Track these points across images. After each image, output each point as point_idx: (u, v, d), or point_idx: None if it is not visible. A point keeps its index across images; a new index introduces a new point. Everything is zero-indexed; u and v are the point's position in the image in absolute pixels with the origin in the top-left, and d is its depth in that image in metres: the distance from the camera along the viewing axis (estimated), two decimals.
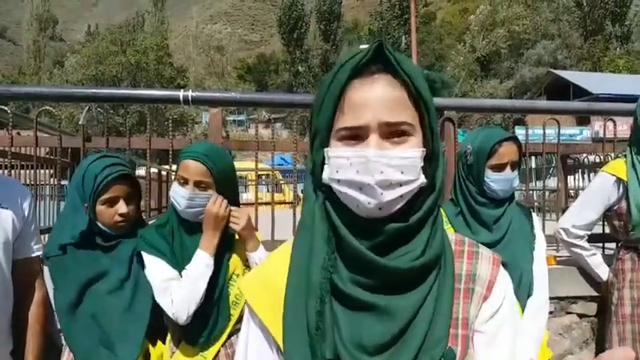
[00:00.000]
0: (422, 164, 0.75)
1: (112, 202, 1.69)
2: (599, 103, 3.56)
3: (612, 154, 3.26)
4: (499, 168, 1.85)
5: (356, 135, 0.74)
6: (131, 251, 1.73)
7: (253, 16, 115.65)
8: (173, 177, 1.92)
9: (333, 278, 0.74)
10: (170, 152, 2.70)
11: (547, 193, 5.42)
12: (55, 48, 65.98)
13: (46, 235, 3.41)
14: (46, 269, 1.74)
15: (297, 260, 0.79)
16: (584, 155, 5.12)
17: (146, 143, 2.76)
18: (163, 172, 7.85)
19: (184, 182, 1.70)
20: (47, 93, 2.83)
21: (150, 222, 2.00)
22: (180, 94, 2.67)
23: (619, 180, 2.33)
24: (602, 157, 3.45)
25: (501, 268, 0.83)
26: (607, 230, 2.74)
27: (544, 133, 3.10)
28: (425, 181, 0.76)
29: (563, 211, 3.01)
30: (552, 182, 6.91)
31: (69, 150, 3.19)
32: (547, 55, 37.96)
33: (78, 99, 3.00)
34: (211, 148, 1.77)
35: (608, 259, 2.53)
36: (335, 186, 0.75)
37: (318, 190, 0.80)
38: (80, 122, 2.83)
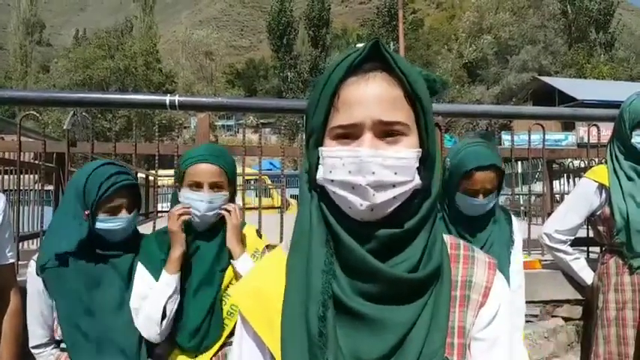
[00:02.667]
0: (417, 165, 0.73)
1: (114, 211, 1.65)
2: (583, 109, 3.61)
3: (596, 159, 3.31)
4: (471, 193, 1.77)
5: (350, 133, 0.72)
6: (130, 264, 1.69)
7: (242, 22, 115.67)
8: (165, 182, 1.87)
9: (335, 285, 0.72)
10: (156, 157, 2.69)
11: (533, 198, 5.46)
12: (43, 52, 65.34)
13: (30, 242, 3.38)
14: (37, 281, 1.66)
15: (295, 265, 0.76)
16: (570, 160, 5.18)
17: (132, 148, 2.74)
18: (151, 178, 7.79)
19: (197, 187, 1.67)
20: (32, 97, 2.80)
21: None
22: (167, 98, 2.66)
23: (601, 186, 2.36)
24: (586, 162, 3.50)
25: (497, 272, 0.81)
26: (591, 234, 2.78)
27: (529, 138, 3.14)
28: (420, 182, 0.73)
29: (549, 215, 3.04)
30: (538, 187, 6.98)
31: (53, 155, 3.16)
32: (532, 62, 38.43)
33: (63, 103, 2.97)
34: (214, 148, 1.76)
35: (592, 264, 2.56)
36: (328, 186, 0.74)
37: (313, 191, 0.78)
38: (65, 127, 2.80)
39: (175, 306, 1.62)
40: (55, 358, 1.67)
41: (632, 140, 2.27)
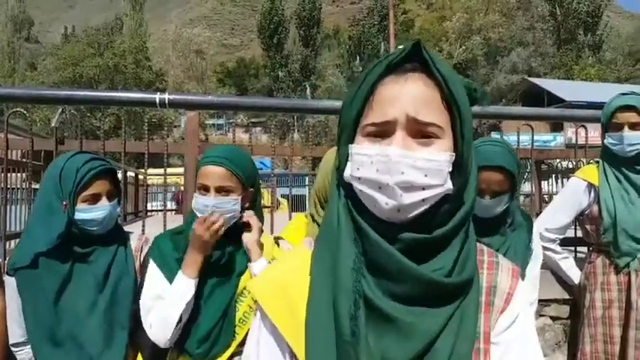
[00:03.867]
0: (449, 170, 0.71)
1: (94, 199, 1.59)
2: (571, 110, 3.65)
3: (584, 160, 3.35)
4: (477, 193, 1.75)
5: (382, 132, 0.71)
6: (110, 260, 1.63)
7: (233, 21, 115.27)
8: (155, 181, 1.83)
9: (364, 285, 0.70)
10: (146, 155, 2.67)
11: (522, 198, 5.51)
12: (31, 50, 64.64)
13: (17, 241, 3.33)
14: (11, 281, 1.60)
15: (323, 260, 0.74)
16: (558, 161, 5.23)
17: (121, 146, 2.72)
18: (140, 176, 7.73)
19: (205, 190, 1.59)
20: (20, 94, 2.77)
21: (126, 227, 1.94)
22: (157, 96, 2.65)
23: (590, 185, 2.38)
24: (574, 162, 3.53)
25: (520, 279, 0.80)
26: (579, 234, 2.81)
27: (518, 138, 3.17)
28: (451, 187, 0.71)
29: (538, 215, 3.07)
30: (526, 187, 7.04)
31: (41, 153, 3.12)
32: (522, 63, 38.73)
33: (52, 101, 2.94)
34: (230, 150, 1.67)
35: (580, 263, 2.58)
36: (355, 184, 0.72)
37: (341, 188, 0.76)
38: (53, 125, 2.77)
39: (189, 311, 1.55)
40: (30, 357, 1.61)
41: (605, 141, 2.30)
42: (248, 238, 1.64)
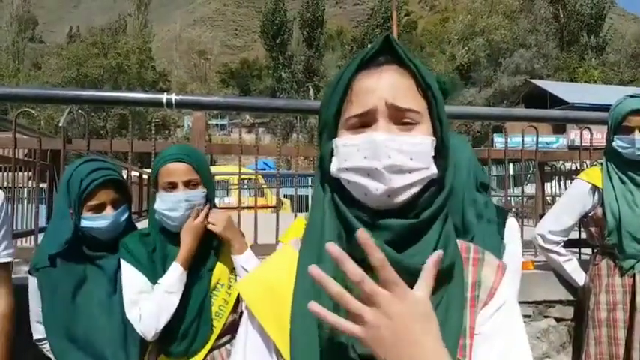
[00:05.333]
0: (433, 154, 0.73)
1: (98, 209, 1.63)
2: (575, 112, 3.65)
3: (588, 162, 3.35)
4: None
5: (364, 122, 0.73)
6: (118, 263, 1.66)
7: (237, 22, 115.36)
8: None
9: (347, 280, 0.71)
10: (153, 155, 2.68)
11: (525, 199, 5.51)
12: (35, 49, 64.84)
13: (24, 239, 3.36)
14: (33, 280, 1.67)
15: (306, 261, 0.73)
16: (561, 162, 5.23)
17: (127, 146, 2.74)
18: (145, 176, 7.77)
19: (172, 187, 1.63)
20: (27, 94, 2.79)
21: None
22: (164, 97, 2.66)
23: (594, 187, 2.39)
24: (578, 164, 3.53)
25: (505, 275, 0.80)
26: (583, 236, 2.81)
27: (523, 140, 3.17)
28: (436, 172, 0.73)
29: (541, 217, 3.07)
30: (529, 189, 7.03)
31: (48, 152, 3.15)
32: (525, 65, 38.67)
33: (59, 100, 2.96)
34: (185, 148, 1.74)
35: (584, 265, 2.58)
36: (343, 175, 0.73)
37: (326, 185, 0.78)
38: (60, 124, 2.79)
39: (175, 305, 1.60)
40: None
41: (613, 144, 2.31)
42: (223, 231, 1.67)
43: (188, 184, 1.64)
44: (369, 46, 0.79)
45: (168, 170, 1.63)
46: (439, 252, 0.67)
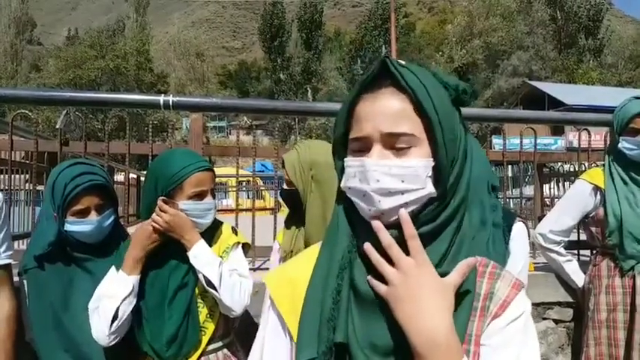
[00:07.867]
0: (429, 174, 0.76)
1: (82, 213, 1.62)
2: (574, 113, 3.64)
3: (586, 163, 3.35)
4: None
5: (363, 146, 0.78)
6: (106, 267, 1.62)
7: (235, 24, 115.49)
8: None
9: (353, 273, 0.78)
10: (150, 158, 2.67)
11: (523, 201, 5.51)
12: (33, 51, 64.77)
13: (20, 242, 3.34)
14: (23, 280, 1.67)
15: (322, 257, 0.84)
16: (560, 164, 5.23)
17: (125, 148, 2.73)
18: (142, 178, 7.75)
19: (200, 196, 1.62)
20: (24, 95, 2.76)
21: (129, 229, 1.95)
22: (161, 98, 2.64)
23: (596, 188, 2.38)
24: (576, 166, 3.53)
25: (522, 292, 0.81)
26: (582, 237, 2.80)
27: (521, 141, 3.17)
28: (434, 191, 0.76)
29: (539, 218, 3.07)
30: (528, 190, 7.04)
31: (45, 154, 3.14)
32: (522, 67, 38.75)
33: (56, 102, 2.95)
34: (199, 155, 1.75)
35: (583, 266, 2.58)
36: (347, 193, 0.81)
37: (341, 194, 0.85)
38: (57, 126, 2.78)
39: (130, 309, 1.53)
40: None
41: (619, 145, 2.30)
42: (167, 230, 1.58)
43: (211, 192, 1.67)
44: (371, 67, 0.82)
45: (199, 179, 1.61)
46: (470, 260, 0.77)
